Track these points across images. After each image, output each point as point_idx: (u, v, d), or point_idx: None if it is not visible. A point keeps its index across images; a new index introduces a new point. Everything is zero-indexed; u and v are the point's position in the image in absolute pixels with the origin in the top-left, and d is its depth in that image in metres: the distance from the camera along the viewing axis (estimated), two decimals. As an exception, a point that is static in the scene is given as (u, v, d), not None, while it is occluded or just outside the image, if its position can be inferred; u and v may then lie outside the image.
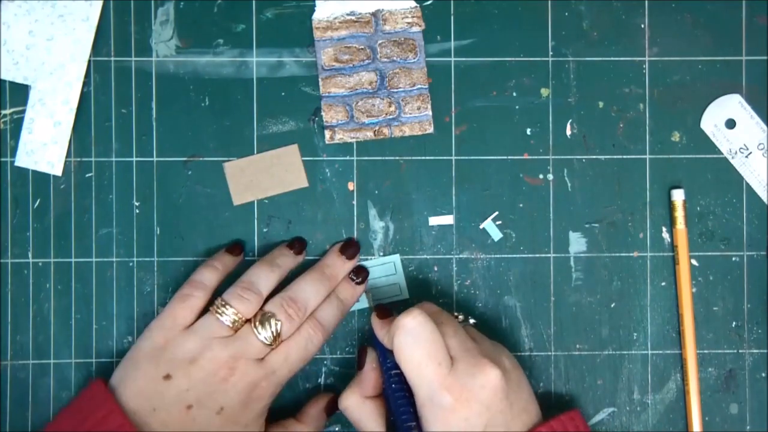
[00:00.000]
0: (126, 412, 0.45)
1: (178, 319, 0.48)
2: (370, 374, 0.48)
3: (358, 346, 0.53)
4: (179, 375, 0.46)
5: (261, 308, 0.49)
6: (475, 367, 0.44)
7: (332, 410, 0.52)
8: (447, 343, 0.45)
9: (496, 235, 0.53)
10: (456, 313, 0.53)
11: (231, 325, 0.47)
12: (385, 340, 0.47)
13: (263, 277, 0.49)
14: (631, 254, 0.54)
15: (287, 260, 0.51)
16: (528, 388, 0.47)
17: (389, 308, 0.50)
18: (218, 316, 0.48)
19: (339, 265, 0.52)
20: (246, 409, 0.47)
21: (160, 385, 0.46)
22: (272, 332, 0.47)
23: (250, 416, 0.47)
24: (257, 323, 0.48)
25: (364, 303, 0.54)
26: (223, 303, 0.48)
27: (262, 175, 0.53)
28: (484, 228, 0.53)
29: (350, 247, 0.52)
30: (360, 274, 0.52)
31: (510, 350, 0.49)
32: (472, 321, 0.53)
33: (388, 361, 0.47)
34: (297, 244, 0.52)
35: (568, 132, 0.54)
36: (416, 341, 0.44)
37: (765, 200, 0.54)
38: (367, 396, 0.48)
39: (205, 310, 0.49)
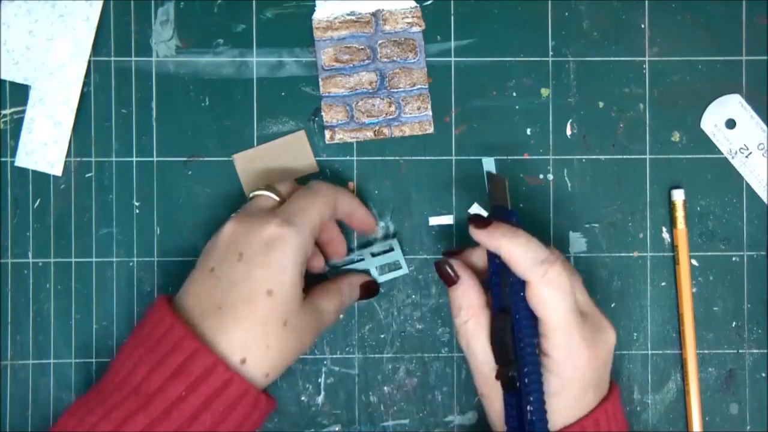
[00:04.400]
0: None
1: None
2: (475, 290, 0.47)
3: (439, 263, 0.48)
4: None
5: None
6: (600, 324, 0.46)
7: (367, 294, 0.52)
8: (577, 297, 0.45)
9: (496, 235, 0.53)
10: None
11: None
12: (523, 270, 0.44)
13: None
14: (631, 254, 0.54)
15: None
16: None
17: (482, 217, 0.47)
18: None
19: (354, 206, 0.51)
20: (265, 255, 0.45)
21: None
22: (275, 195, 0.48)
23: (271, 259, 0.45)
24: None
25: (405, 269, 0.53)
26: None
27: (273, 164, 0.53)
28: (484, 228, 0.53)
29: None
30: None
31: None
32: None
33: (511, 279, 0.45)
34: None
35: (568, 132, 0.54)
36: (565, 293, 0.44)
37: (765, 200, 0.54)
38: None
39: None
